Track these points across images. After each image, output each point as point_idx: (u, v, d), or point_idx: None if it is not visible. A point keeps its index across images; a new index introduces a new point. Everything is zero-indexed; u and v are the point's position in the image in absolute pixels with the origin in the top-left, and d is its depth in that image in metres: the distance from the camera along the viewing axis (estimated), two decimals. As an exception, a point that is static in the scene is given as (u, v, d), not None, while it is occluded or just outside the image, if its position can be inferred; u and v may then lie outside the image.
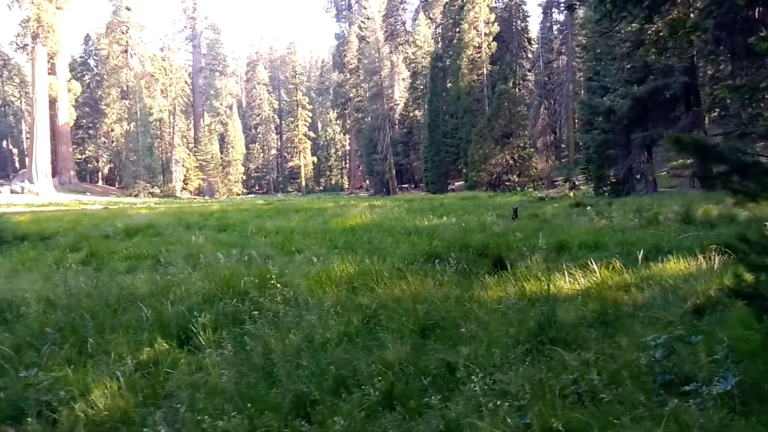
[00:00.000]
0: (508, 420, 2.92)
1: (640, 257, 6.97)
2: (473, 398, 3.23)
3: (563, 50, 49.46)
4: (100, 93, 71.39)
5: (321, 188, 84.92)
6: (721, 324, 4.48)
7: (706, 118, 26.67)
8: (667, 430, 2.77)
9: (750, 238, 4.77)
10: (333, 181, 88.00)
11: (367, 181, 67.45)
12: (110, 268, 9.61)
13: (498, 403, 3.06)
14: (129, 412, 3.46)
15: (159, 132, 71.07)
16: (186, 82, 78.43)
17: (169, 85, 72.58)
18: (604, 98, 25.33)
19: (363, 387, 3.53)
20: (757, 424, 2.78)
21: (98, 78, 72.80)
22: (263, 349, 4.21)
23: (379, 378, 3.56)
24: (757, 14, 4.42)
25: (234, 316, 5.30)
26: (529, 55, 54.83)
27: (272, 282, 6.06)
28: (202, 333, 4.69)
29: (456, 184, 49.92)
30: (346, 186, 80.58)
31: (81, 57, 76.06)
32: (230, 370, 3.76)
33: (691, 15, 5.66)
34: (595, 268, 6.62)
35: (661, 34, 5.98)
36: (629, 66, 23.97)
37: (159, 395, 3.71)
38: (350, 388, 3.56)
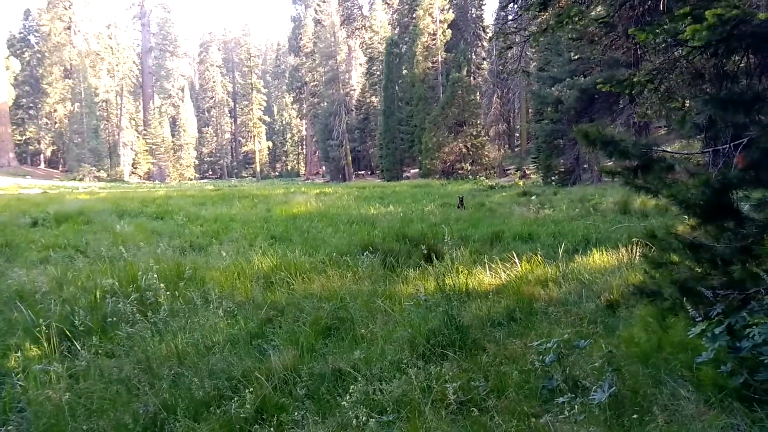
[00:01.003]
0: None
1: (560, 251, 6.89)
2: (345, 412, 2.98)
3: (517, 39, 49.75)
4: (41, 71, 67.44)
5: (277, 174, 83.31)
6: (627, 322, 4.40)
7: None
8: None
9: (657, 234, 4.70)
10: (289, 167, 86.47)
11: (323, 168, 66.59)
12: (23, 260, 9.03)
13: (366, 418, 2.83)
14: (-35, 433, 3.06)
15: (105, 114, 68.06)
16: (134, 62, 75.17)
17: (116, 65, 69.38)
18: (553, 89, 25.56)
19: (234, 399, 3.22)
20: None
21: (39, 56, 68.71)
22: (140, 356, 3.85)
23: (251, 390, 3.26)
24: (661, 6, 4.33)
25: (128, 316, 4.89)
26: (484, 44, 54.86)
27: (176, 277, 5.68)
28: (80, 337, 4.29)
29: (411, 171, 49.79)
30: (303, 172, 79.32)
31: (20, 33, 71.52)
32: (86, 381, 3.40)
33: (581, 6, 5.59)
34: (517, 261, 6.50)
35: (550, 23, 5.88)
36: (576, 57, 24.26)
37: (9, 411, 3.31)
38: (221, 401, 3.25)
